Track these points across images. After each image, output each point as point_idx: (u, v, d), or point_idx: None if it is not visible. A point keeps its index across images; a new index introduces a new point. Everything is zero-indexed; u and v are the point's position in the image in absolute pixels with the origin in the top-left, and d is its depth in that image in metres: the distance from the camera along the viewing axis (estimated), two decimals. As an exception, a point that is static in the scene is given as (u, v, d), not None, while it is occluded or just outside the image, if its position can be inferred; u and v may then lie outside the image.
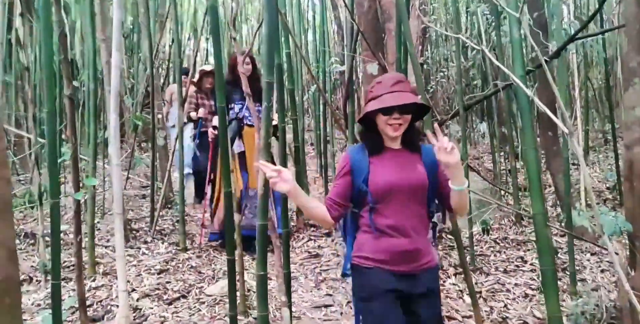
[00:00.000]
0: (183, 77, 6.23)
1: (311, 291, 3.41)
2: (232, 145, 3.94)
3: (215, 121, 4.10)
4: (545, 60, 3.45)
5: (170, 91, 6.87)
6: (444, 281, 3.46)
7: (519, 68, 2.33)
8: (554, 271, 2.23)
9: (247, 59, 4.09)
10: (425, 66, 6.53)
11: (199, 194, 5.64)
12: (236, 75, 3.91)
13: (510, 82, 2.87)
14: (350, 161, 1.87)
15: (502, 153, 6.81)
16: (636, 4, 2.52)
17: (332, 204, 1.85)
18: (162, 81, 7.41)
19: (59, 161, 2.42)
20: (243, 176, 4.10)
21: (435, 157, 1.74)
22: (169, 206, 5.37)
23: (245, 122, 4.12)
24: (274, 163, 2.95)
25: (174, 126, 6.48)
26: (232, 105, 4.11)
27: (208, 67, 5.09)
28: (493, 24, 5.58)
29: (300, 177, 4.68)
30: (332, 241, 4.38)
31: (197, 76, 5.19)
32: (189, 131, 7.15)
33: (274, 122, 3.62)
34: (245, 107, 4.08)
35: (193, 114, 5.13)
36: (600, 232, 1.95)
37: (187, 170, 7.02)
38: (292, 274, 3.37)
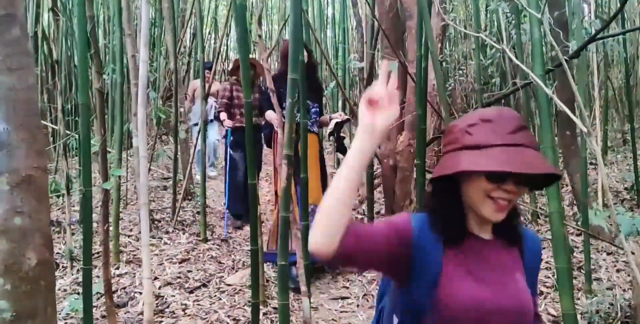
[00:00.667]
0: (206, 72, 6.29)
1: (328, 283, 3.49)
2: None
3: (271, 115, 3.59)
4: (565, 60, 3.48)
5: (193, 87, 6.80)
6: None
7: (538, 67, 2.37)
8: (569, 269, 2.27)
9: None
10: (444, 64, 6.55)
11: (239, 210, 4.78)
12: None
13: (530, 81, 2.90)
14: (415, 237, 1.08)
15: (519, 152, 6.80)
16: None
17: (354, 234, 1.03)
18: (183, 74, 7.50)
19: (91, 151, 2.52)
20: (297, 190, 3.34)
21: (540, 254, 1.20)
22: (190, 197, 5.48)
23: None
24: (298, 158, 2.98)
25: (196, 124, 6.40)
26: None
27: None
28: (513, 22, 5.59)
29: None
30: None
31: (232, 66, 5.09)
32: (215, 130, 6.87)
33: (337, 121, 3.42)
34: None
35: (223, 116, 4.86)
36: (617, 232, 2.00)
37: (211, 171, 6.95)
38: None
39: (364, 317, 3.01)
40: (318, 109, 3.31)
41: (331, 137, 3.36)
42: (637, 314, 2.52)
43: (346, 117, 3.43)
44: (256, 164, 4.42)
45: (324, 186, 3.54)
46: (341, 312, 3.08)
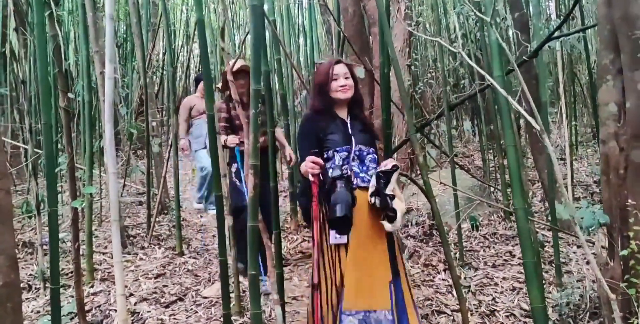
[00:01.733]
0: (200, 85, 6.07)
1: (304, 291, 3.50)
2: (335, 227, 2.22)
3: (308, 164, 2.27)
4: (525, 60, 3.57)
5: (189, 105, 5.60)
6: (434, 277, 3.56)
7: (497, 69, 2.44)
8: (535, 263, 2.33)
9: (344, 69, 2.48)
10: (412, 67, 6.64)
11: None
12: (330, 99, 2.47)
13: (488, 83, 2.97)
14: None
15: (491, 151, 6.93)
16: (606, 4, 2.64)
17: None
18: (156, 89, 7.48)
19: (56, 170, 2.51)
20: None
21: None
22: (165, 211, 5.46)
23: (355, 183, 2.33)
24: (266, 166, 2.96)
25: (195, 151, 5.74)
26: (330, 151, 2.39)
27: (238, 64, 3.57)
28: (478, 24, 5.71)
29: (292, 179, 4.79)
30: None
31: (221, 80, 3.89)
32: (204, 154, 5.67)
33: None
34: (352, 155, 2.38)
35: (224, 139, 3.69)
36: (573, 224, 2.06)
37: (201, 204, 5.90)
38: (286, 275, 3.47)
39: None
40: (375, 156, 2.45)
41: (374, 199, 2.26)
42: (602, 304, 2.58)
43: (393, 163, 2.32)
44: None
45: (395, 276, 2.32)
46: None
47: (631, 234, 2.37)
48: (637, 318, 2.18)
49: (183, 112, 5.53)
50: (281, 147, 4.05)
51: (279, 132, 3.97)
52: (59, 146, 5.71)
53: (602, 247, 2.79)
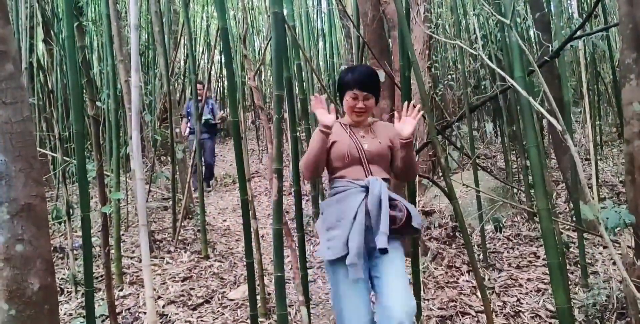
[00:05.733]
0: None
1: (328, 294, 3.53)
2: None
3: None
4: (546, 60, 3.56)
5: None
6: (458, 278, 3.56)
7: (518, 70, 2.45)
8: (560, 264, 2.33)
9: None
10: (432, 70, 6.64)
11: None
12: None
13: (509, 85, 2.98)
14: None
15: (513, 152, 6.87)
16: (627, 3, 2.63)
17: None
18: (179, 95, 7.60)
19: (87, 177, 2.59)
20: None
21: None
22: (190, 216, 5.55)
23: None
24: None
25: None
26: None
27: None
28: (498, 25, 5.69)
29: (315, 182, 4.83)
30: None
31: None
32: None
33: None
34: None
35: None
36: (597, 223, 2.06)
37: None
38: (310, 278, 3.52)
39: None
40: None
41: None
42: (629, 304, 2.56)
43: None
44: None
45: None
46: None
47: (657, 233, 2.35)
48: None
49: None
50: None
51: None
52: (86, 153, 5.84)
53: (628, 247, 2.77)
